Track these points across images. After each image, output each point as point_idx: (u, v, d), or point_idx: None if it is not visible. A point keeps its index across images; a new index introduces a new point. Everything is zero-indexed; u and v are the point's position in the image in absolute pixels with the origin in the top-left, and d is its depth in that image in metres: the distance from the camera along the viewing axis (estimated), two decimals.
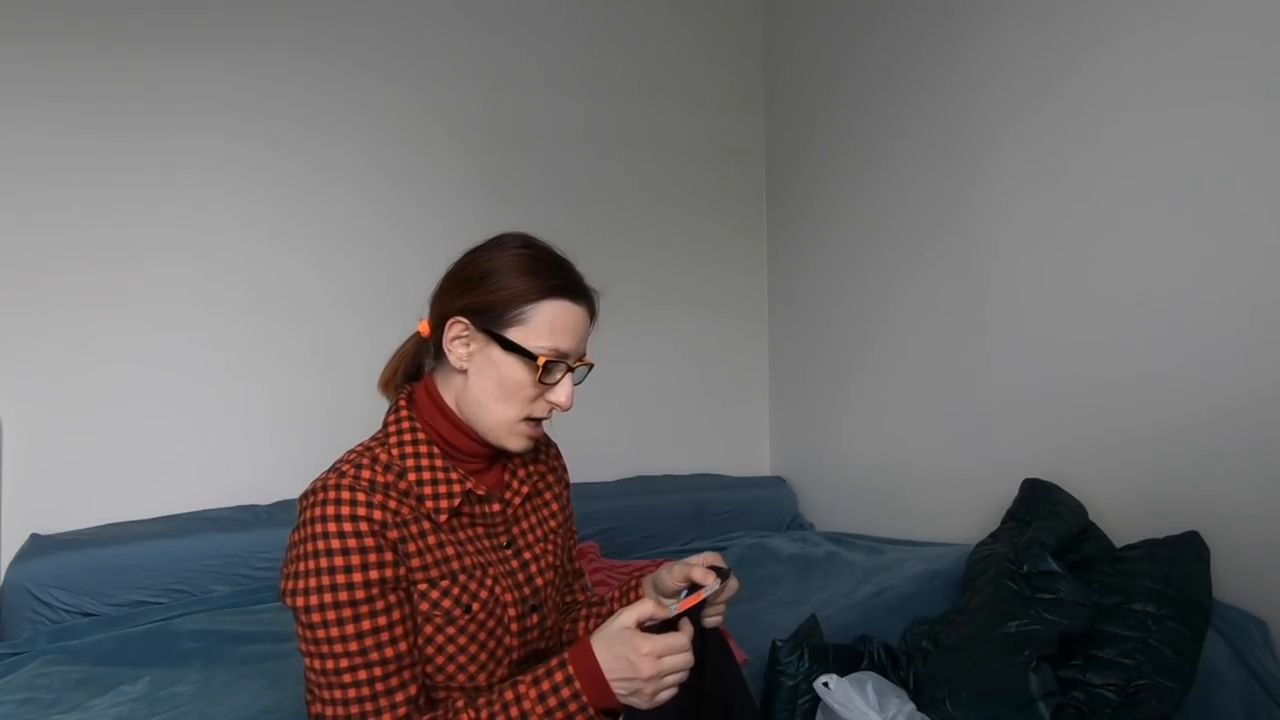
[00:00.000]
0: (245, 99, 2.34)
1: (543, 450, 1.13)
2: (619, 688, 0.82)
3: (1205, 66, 1.55)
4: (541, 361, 0.92)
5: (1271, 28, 1.44)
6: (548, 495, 1.10)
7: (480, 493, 0.97)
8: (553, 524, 1.08)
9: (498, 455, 1.02)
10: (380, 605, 0.86)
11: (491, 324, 0.93)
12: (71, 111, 2.16)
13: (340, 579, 0.84)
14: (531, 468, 1.07)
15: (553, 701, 0.83)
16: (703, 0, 2.95)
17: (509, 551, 1.01)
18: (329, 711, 0.86)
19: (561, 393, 0.95)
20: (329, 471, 0.92)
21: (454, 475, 0.95)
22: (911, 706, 1.37)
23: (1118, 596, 1.45)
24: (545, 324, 0.93)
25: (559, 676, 0.84)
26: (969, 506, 2.06)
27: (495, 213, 2.50)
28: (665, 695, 0.83)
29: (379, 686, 0.85)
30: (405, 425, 0.97)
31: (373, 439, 0.98)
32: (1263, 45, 1.45)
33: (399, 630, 0.87)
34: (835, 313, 2.63)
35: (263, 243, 2.36)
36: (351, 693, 0.85)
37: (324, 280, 2.42)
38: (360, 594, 0.84)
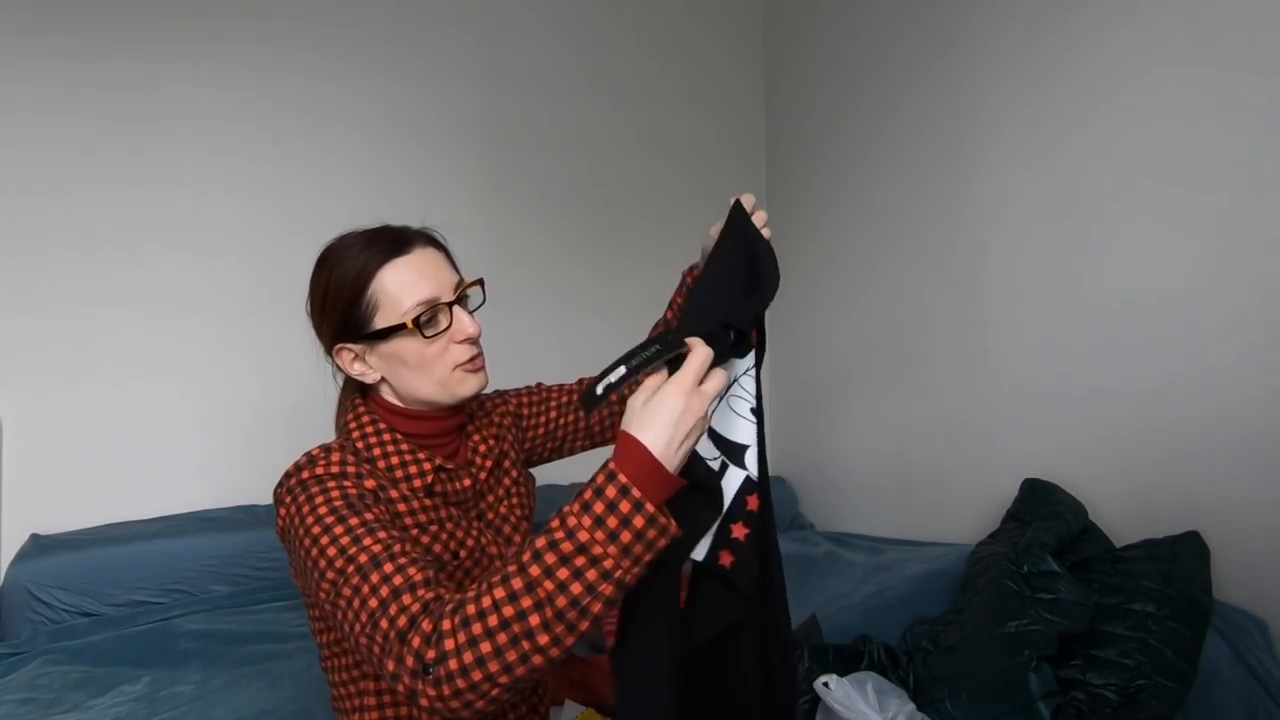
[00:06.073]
0: (245, 97, 2.34)
1: (486, 406, 1.11)
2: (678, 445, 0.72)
3: (1207, 70, 1.55)
4: (410, 322, 0.91)
5: (1271, 32, 1.44)
6: (505, 462, 1.08)
7: (450, 467, 0.97)
8: (507, 482, 1.07)
9: (461, 429, 1.03)
10: (370, 516, 0.83)
11: (360, 330, 0.93)
12: (70, 112, 2.16)
13: (320, 500, 0.83)
14: (492, 441, 1.06)
15: (599, 508, 0.70)
16: (703, 1, 2.95)
17: (480, 524, 1.02)
18: (357, 627, 0.77)
19: (461, 329, 0.94)
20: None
21: (422, 455, 0.95)
22: (911, 706, 1.38)
23: (1118, 596, 1.46)
24: (394, 292, 0.92)
25: (600, 479, 0.71)
26: (969, 506, 2.06)
27: (495, 212, 2.49)
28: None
29: (387, 568, 0.77)
30: (365, 420, 0.96)
31: (333, 442, 0.94)
32: (1264, 51, 1.45)
33: (393, 530, 0.83)
34: (835, 313, 2.63)
35: (263, 242, 2.35)
36: (365, 589, 0.77)
37: None
38: (342, 504, 0.83)
